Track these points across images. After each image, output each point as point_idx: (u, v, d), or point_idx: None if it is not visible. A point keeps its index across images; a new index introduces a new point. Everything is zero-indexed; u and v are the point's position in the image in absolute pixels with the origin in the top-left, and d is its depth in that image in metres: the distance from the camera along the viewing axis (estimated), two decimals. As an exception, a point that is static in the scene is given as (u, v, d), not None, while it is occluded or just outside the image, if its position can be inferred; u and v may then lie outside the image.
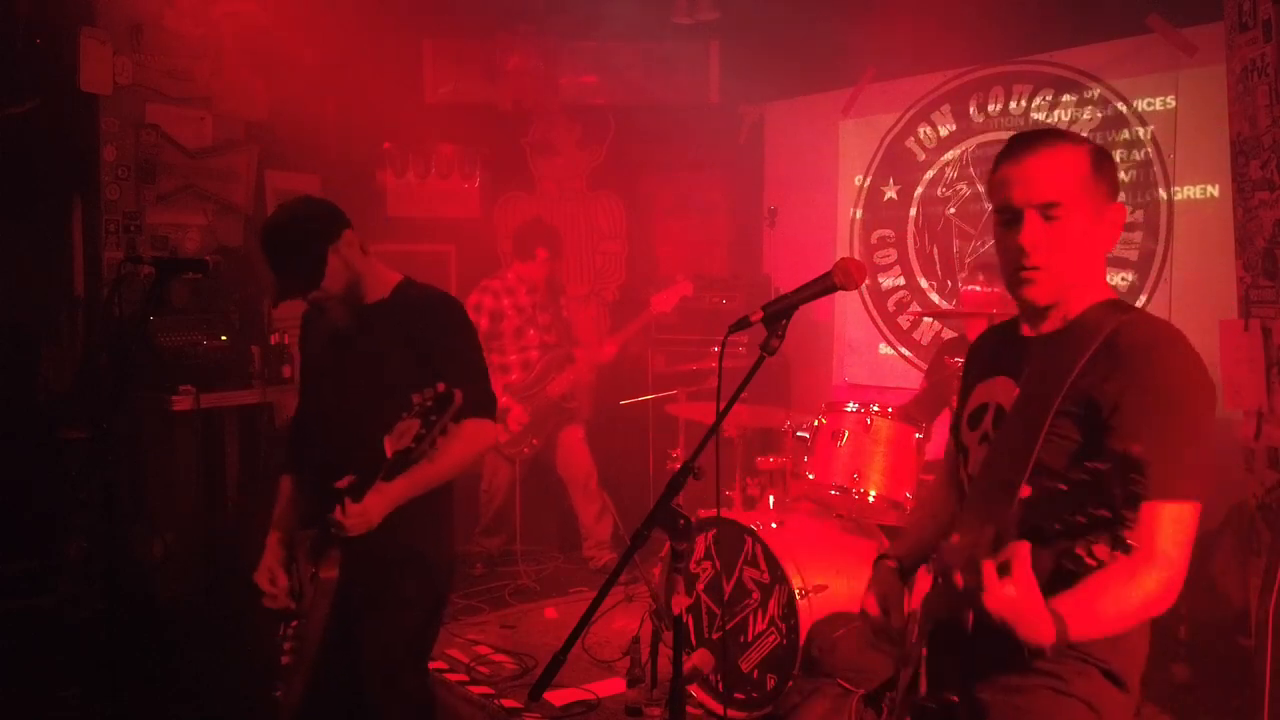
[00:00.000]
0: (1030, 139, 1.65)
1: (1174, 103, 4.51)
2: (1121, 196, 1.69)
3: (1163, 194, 4.55)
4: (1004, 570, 1.36)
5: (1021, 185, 1.62)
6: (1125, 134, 4.67)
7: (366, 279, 2.48)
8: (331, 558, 2.31)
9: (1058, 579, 1.43)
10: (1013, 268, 1.66)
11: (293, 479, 2.59)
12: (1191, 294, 4.46)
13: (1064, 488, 1.40)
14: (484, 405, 2.41)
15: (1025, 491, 1.49)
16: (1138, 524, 1.35)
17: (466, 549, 5.27)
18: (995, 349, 1.82)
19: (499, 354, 5.05)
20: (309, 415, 2.61)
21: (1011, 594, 1.35)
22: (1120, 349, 1.54)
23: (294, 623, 2.40)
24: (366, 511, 2.23)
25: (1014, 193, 1.63)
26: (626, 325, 5.22)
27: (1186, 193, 4.49)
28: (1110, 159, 1.67)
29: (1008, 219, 1.65)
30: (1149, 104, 4.60)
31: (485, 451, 2.47)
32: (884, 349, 5.68)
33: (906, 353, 5.58)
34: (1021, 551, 1.36)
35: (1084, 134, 4.75)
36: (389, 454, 2.16)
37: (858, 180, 5.82)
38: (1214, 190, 4.35)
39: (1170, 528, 1.44)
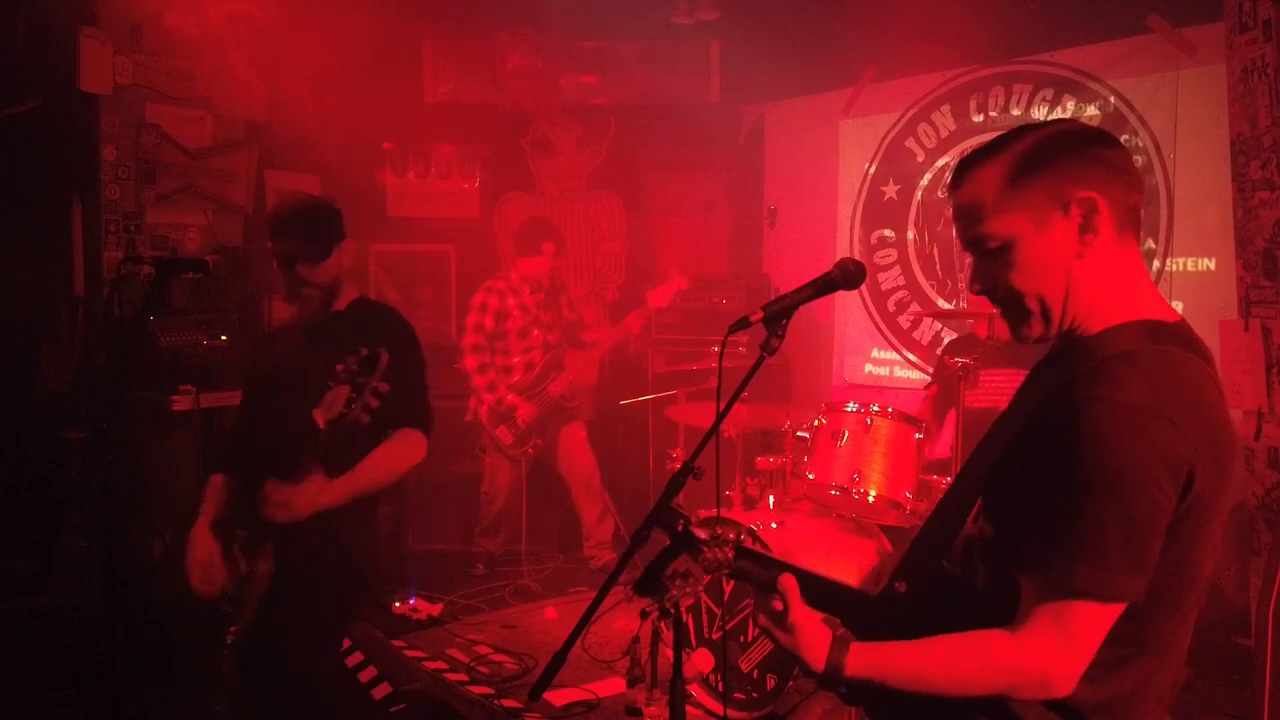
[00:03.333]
0: (958, 170, 1.43)
1: (1174, 103, 4.51)
2: (1085, 191, 1.35)
3: (1163, 194, 4.56)
4: (767, 591, 1.41)
5: (957, 224, 1.45)
6: (1125, 134, 4.67)
7: (341, 288, 2.66)
8: (265, 551, 2.42)
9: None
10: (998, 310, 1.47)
11: (225, 479, 2.70)
12: (1192, 294, 4.46)
13: (999, 535, 1.40)
14: (421, 418, 2.51)
15: (985, 530, 1.44)
16: (1021, 601, 1.29)
17: (467, 549, 5.28)
18: (1039, 366, 1.57)
19: (503, 355, 5.06)
20: (259, 424, 2.70)
21: (774, 612, 1.38)
22: (1071, 395, 1.27)
23: (233, 629, 2.47)
24: (290, 501, 2.30)
25: (956, 231, 1.46)
26: (624, 319, 5.22)
27: (1186, 192, 4.49)
28: (1051, 146, 1.36)
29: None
30: (1149, 104, 4.60)
31: (415, 466, 2.51)
32: (884, 349, 5.68)
33: (907, 353, 5.58)
34: (785, 577, 1.40)
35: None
36: (321, 424, 2.22)
37: (857, 180, 5.83)
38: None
39: (1049, 621, 1.25)
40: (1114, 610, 1.25)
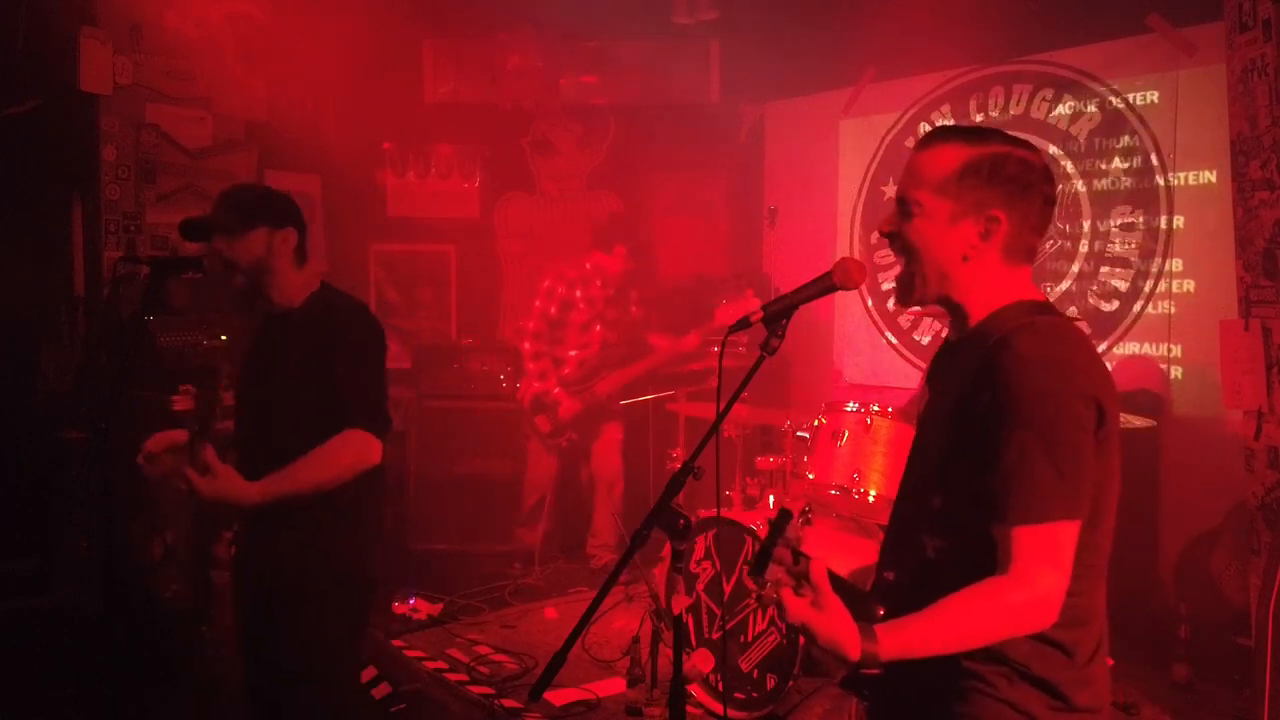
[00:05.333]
0: (930, 134, 1.63)
1: (1174, 103, 4.50)
2: (998, 210, 1.54)
3: (1162, 194, 4.55)
4: (802, 581, 1.43)
5: (901, 174, 1.63)
6: (1125, 134, 4.67)
7: (281, 280, 2.48)
8: (223, 536, 2.39)
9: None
10: None
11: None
12: (1192, 294, 4.46)
13: (952, 504, 1.52)
14: (368, 420, 2.36)
15: (935, 501, 1.56)
16: (1001, 546, 1.43)
17: (467, 549, 5.29)
18: (936, 357, 1.79)
19: (560, 345, 5.09)
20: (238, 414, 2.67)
21: (806, 605, 1.41)
22: (996, 361, 1.47)
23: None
24: (213, 486, 2.23)
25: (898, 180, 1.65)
26: (688, 333, 4.99)
27: (1186, 193, 4.49)
28: (1003, 167, 1.54)
29: None
30: (1149, 104, 4.60)
31: (366, 467, 2.36)
32: (884, 349, 5.68)
33: (907, 353, 5.58)
34: (815, 563, 1.43)
35: (1082, 134, 4.79)
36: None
37: (858, 180, 5.82)
38: (1213, 189, 4.34)
39: (1033, 549, 1.40)
40: (1078, 526, 1.43)
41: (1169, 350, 4.53)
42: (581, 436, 5.18)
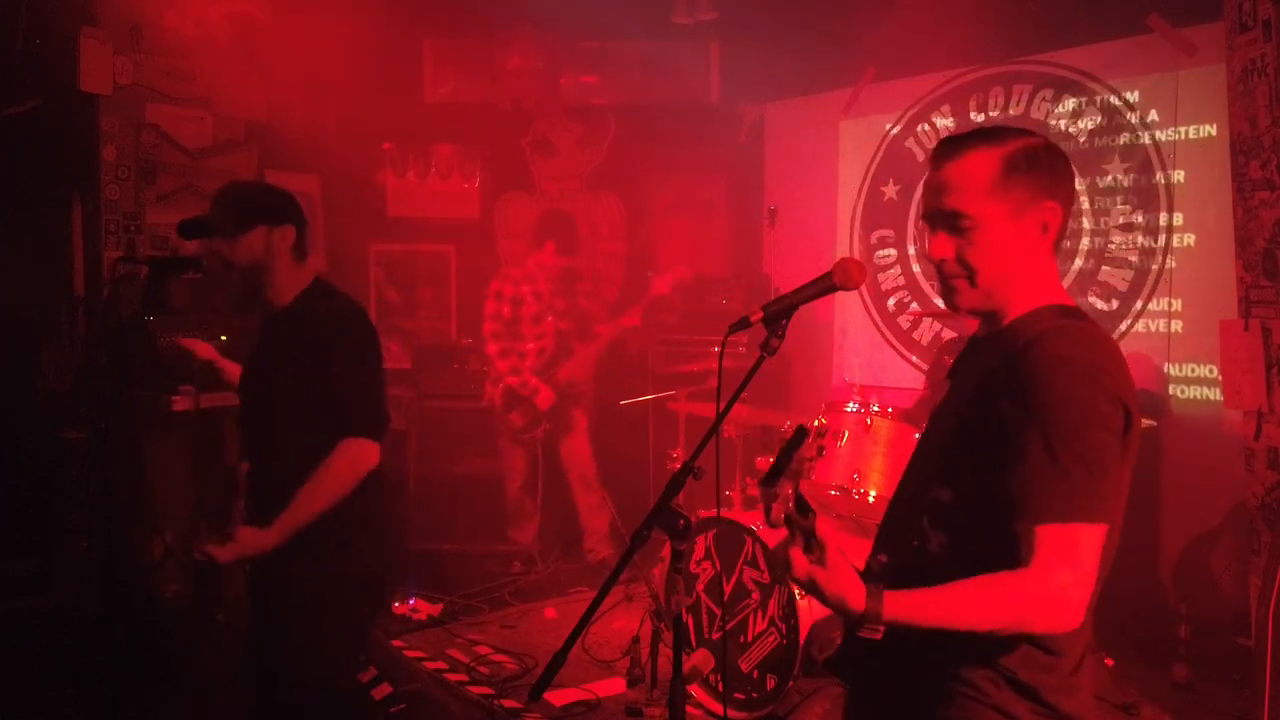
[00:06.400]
0: (946, 146, 1.61)
1: (1174, 103, 4.50)
2: (1051, 194, 1.55)
3: (1162, 194, 4.55)
4: (809, 538, 1.43)
5: (931, 194, 1.61)
6: (1125, 134, 4.67)
7: (279, 279, 2.46)
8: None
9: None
10: (937, 276, 1.64)
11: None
12: (1192, 294, 4.46)
13: (959, 499, 1.51)
14: (365, 425, 2.35)
15: (942, 495, 1.55)
16: (1023, 544, 1.41)
17: (468, 549, 5.30)
18: (963, 353, 1.79)
19: (519, 340, 5.16)
20: (242, 412, 2.66)
21: (813, 560, 1.41)
22: (1023, 362, 1.47)
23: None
24: (232, 550, 2.28)
25: (925, 201, 1.63)
26: (634, 305, 5.25)
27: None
28: (1037, 156, 1.55)
29: (929, 226, 1.64)
30: (1149, 104, 4.60)
31: (364, 474, 2.36)
32: (884, 349, 5.67)
33: (906, 353, 5.58)
34: (822, 519, 1.43)
35: (1082, 134, 4.79)
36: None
37: (858, 180, 5.82)
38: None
39: (1052, 547, 1.38)
40: (1104, 530, 1.42)
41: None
42: (554, 427, 5.22)
